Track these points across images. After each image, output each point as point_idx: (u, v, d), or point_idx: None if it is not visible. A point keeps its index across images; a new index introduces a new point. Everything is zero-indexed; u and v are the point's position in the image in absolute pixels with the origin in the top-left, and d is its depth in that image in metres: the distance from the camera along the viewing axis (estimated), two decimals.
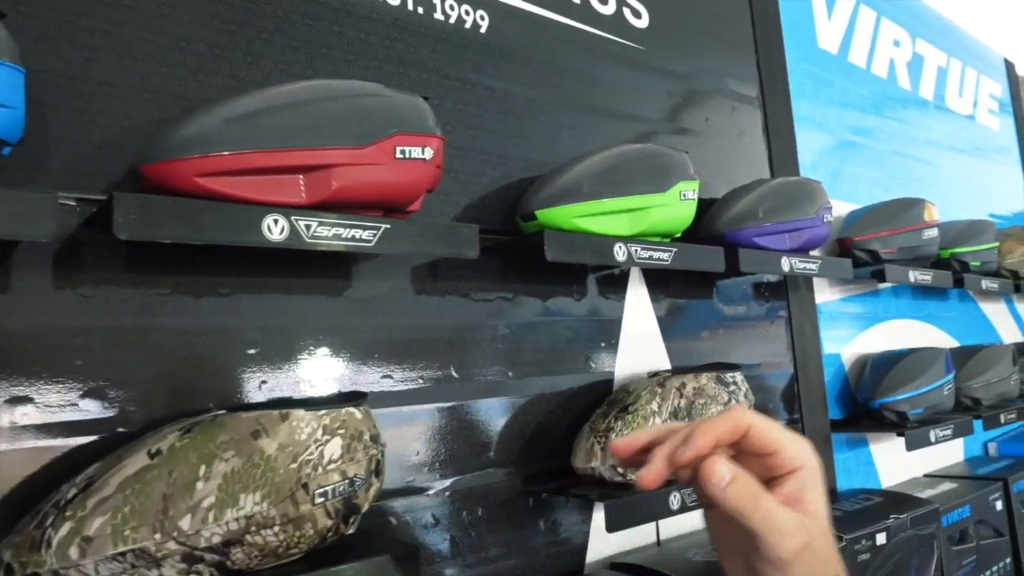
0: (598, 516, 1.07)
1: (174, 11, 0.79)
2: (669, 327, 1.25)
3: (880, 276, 1.51)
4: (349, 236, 0.72)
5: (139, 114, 0.75)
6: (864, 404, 1.52)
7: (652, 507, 0.95)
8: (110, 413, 0.70)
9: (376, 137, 0.74)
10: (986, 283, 1.85)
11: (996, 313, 2.29)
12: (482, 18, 1.07)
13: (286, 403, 0.71)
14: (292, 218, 0.69)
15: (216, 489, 0.60)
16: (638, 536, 1.15)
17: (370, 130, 0.74)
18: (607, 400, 1.05)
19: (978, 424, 1.69)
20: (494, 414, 0.99)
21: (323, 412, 0.67)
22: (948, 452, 1.93)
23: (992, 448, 2.07)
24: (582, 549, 1.07)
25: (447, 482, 0.93)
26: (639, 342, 1.19)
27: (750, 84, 1.52)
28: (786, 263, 1.22)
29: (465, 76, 1.04)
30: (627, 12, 1.29)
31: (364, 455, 0.69)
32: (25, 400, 0.66)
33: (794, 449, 0.49)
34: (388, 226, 0.75)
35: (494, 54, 1.08)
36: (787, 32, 1.64)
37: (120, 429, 0.71)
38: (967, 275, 1.79)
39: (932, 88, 2.21)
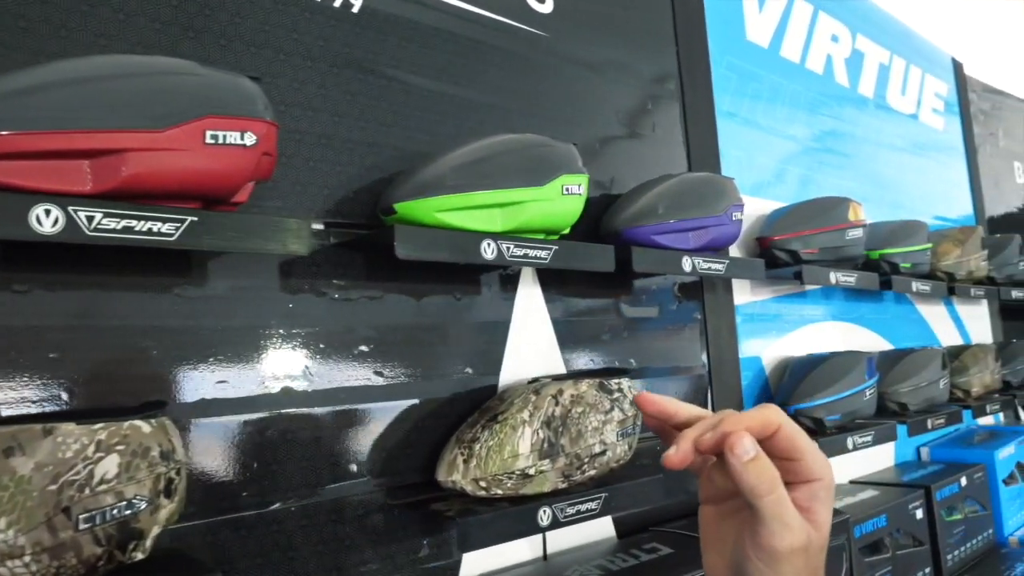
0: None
1: None
2: (566, 330, 1.19)
3: (799, 277, 1.46)
4: (144, 229, 0.65)
5: None
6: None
7: (517, 524, 0.89)
8: None
9: (180, 119, 0.67)
10: (917, 285, 1.81)
11: (935, 315, 2.26)
12: None
13: (61, 416, 0.63)
14: (70, 208, 0.61)
15: None
16: (524, 550, 1.08)
17: (173, 111, 0.66)
18: (481, 408, 0.98)
19: (913, 435, 1.65)
20: (354, 423, 0.92)
21: (99, 426, 0.60)
22: (878, 457, 1.90)
23: (925, 453, 2.04)
24: (455, 566, 1.00)
25: (295, 496, 0.86)
26: (530, 346, 1.13)
27: (668, 77, 1.46)
28: (688, 263, 1.17)
29: (331, 58, 0.96)
30: None
31: (149, 474, 0.62)
32: None
33: (816, 460, 0.49)
34: (195, 219, 0.68)
35: (368, 35, 1.00)
36: (712, 23, 1.58)
37: None
38: (896, 277, 1.75)
39: (872, 86, 2.17)
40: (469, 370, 1.05)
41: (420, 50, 1.06)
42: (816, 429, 1.44)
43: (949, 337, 2.31)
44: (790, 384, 1.49)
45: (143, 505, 0.61)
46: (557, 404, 0.94)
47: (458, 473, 0.89)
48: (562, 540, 1.15)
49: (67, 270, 0.74)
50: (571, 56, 1.27)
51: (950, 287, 1.99)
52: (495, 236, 0.91)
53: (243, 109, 0.71)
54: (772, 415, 0.48)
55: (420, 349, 1.00)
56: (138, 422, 0.62)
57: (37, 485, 0.56)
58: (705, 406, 1.41)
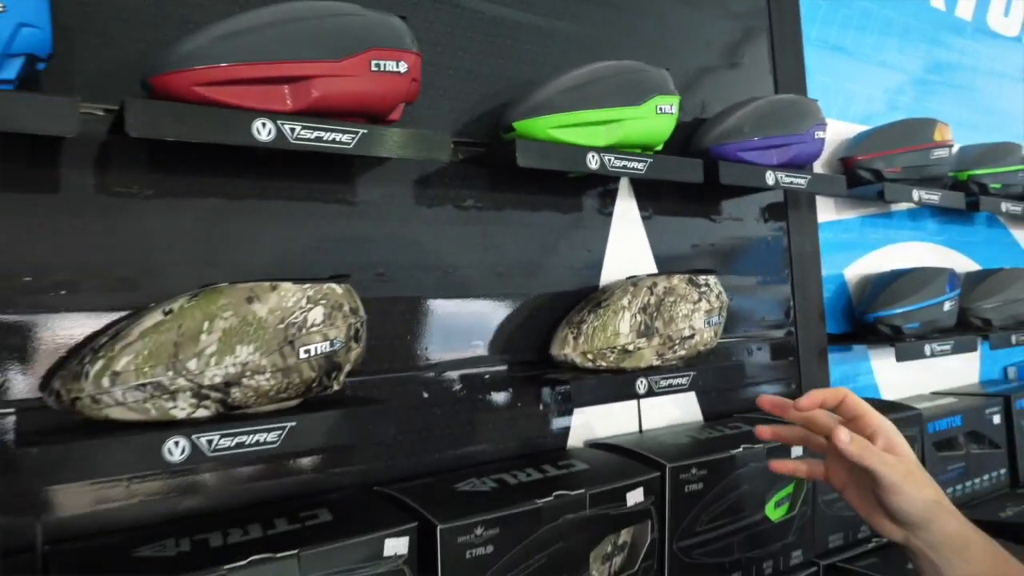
0: None
1: None
2: (659, 240, 1.33)
3: (881, 195, 1.54)
4: (330, 139, 0.84)
5: (149, 37, 0.88)
6: (861, 318, 1.58)
7: (619, 389, 1.06)
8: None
9: (352, 52, 0.85)
10: (1006, 205, 1.84)
11: None
12: None
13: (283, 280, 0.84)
14: (279, 122, 0.81)
15: (217, 340, 0.74)
16: (621, 423, 1.26)
17: (347, 45, 0.84)
18: (586, 298, 1.15)
19: (995, 348, 1.72)
20: (482, 311, 1.11)
21: (307, 285, 0.80)
22: (963, 373, 1.95)
23: (1012, 372, 2.07)
24: (565, 432, 1.19)
25: (426, 361, 1.06)
26: (626, 252, 1.28)
27: (758, 8, 1.54)
28: (771, 177, 1.28)
29: (454, 0, 1.12)
30: None
31: (343, 323, 0.82)
32: None
33: (873, 416, 0.81)
34: (365, 131, 0.86)
35: None
36: None
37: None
38: (984, 197, 1.78)
39: (972, 9, 2.15)
40: (575, 269, 1.22)
41: None
42: (894, 336, 1.54)
43: None
44: (872, 294, 1.58)
45: (340, 345, 0.82)
46: (652, 294, 1.10)
47: (569, 348, 1.07)
48: (655, 419, 1.31)
49: (261, 171, 0.95)
50: None
51: None
52: (598, 150, 1.06)
53: (397, 42, 0.88)
54: (840, 389, 0.82)
55: (534, 251, 1.17)
56: (333, 284, 0.83)
57: (271, 324, 0.77)
58: (788, 316, 1.53)
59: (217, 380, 0.74)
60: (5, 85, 0.70)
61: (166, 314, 0.75)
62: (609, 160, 1.07)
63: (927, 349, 1.53)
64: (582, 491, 0.93)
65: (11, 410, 0.79)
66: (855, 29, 1.77)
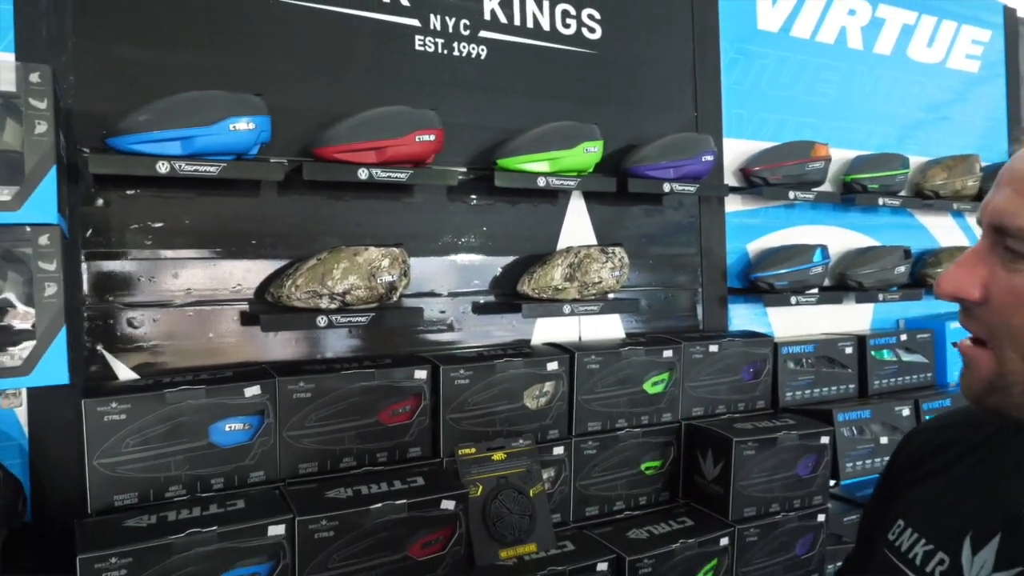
0: (540, 320, 2.03)
1: (302, 72, 1.77)
2: (600, 224, 2.14)
3: (761, 194, 2.28)
4: (396, 176, 1.69)
5: (293, 126, 1.75)
6: (749, 278, 2.33)
7: (552, 310, 1.89)
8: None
9: (406, 133, 1.70)
10: (884, 200, 2.51)
11: (938, 225, 2.90)
12: (483, 50, 1.97)
13: (370, 245, 1.70)
14: (371, 169, 1.67)
15: (340, 272, 1.62)
16: (568, 334, 2.09)
17: (403, 129, 1.69)
18: (539, 259, 1.98)
19: (860, 302, 2.44)
20: (480, 264, 1.96)
21: (382, 248, 1.67)
22: (856, 322, 2.66)
23: (902, 323, 2.76)
24: (529, 337, 2.03)
25: (446, 292, 1.92)
26: (575, 232, 2.10)
27: (685, 69, 2.29)
28: (667, 186, 2.05)
29: (471, 84, 1.95)
30: (584, 30, 2.12)
31: (399, 267, 1.68)
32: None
33: None
34: (412, 171, 1.71)
35: (488, 71, 1.98)
36: (724, 22, 2.36)
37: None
38: (863, 194, 2.47)
39: (891, 45, 2.78)
40: (539, 241, 2.04)
41: (516, 74, 2.01)
42: (769, 290, 2.29)
43: (953, 243, 2.92)
44: (757, 262, 2.33)
45: (396, 278, 1.68)
46: (576, 256, 1.91)
47: (525, 286, 1.90)
48: (592, 335, 2.13)
49: (362, 190, 1.82)
50: (615, 62, 2.16)
51: (928, 203, 2.65)
52: (546, 174, 1.88)
53: (430, 124, 1.73)
54: None
55: (514, 230, 2.00)
56: (394, 248, 1.69)
57: (365, 266, 1.64)
58: (695, 277, 2.30)
59: (340, 291, 1.63)
60: (251, 157, 1.59)
61: (317, 260, 1.64)
62: (552, 180, 1.88)
63: (793, 299, 2.27)
64: (519, 359, 1.78)
65: (246, 303, 1.71)
66: (771, 73, 2.48)
